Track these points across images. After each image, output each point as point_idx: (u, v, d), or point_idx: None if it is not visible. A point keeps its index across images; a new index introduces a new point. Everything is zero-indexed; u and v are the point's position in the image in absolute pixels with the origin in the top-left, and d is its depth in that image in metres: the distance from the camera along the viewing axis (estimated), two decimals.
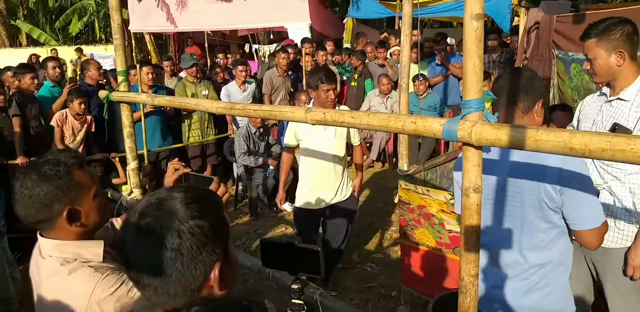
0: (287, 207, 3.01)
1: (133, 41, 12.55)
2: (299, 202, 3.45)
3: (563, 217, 1.68)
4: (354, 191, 3.57)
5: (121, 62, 2.97)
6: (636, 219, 2.14)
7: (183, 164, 1.65)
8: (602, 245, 2.15)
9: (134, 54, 12.50)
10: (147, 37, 12.73)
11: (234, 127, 5.87)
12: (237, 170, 5.24)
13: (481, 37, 1.38)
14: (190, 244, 0.88)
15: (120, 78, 2.96)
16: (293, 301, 1.44)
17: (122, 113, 2.97)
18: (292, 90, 6.43)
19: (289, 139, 3.40)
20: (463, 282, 1.50)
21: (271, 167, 4.99)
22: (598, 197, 1.85)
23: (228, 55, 8.35)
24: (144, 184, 4.36)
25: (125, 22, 11.64)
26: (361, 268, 3.81)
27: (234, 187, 5.42)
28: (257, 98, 6.33)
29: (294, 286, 1.44)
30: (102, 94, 2.98)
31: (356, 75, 6.94)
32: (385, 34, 8.38)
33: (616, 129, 2.04)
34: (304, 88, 6.32)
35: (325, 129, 3.24)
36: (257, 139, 5.14)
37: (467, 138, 1.38)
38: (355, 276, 3.61)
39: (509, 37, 6.70)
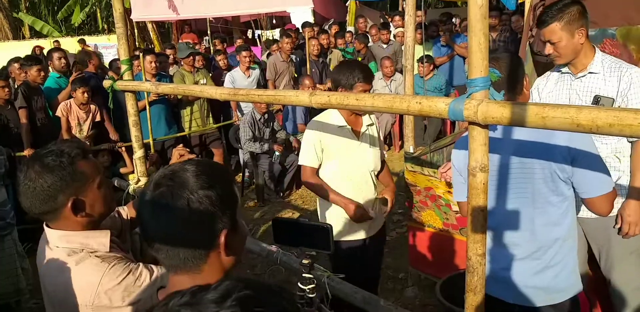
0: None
1: (136, 30, 12.52)
2: (337, 235, 2.60)
3: (573, 187, 1.70)
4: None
5: (124, 51, 2.95)
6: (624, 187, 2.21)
7: (187, 149, 1.67)
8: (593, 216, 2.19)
9: (136, 43, 12.51)
10: (149, 26, 12.67)
11: (238, 113, 5.87)
12: (242, 156, 5.25)
13: (486, 14, 1.36)
14: (199, 212, 0.94)
15: (123, 67, 2.94)
16: (303, 274, 1.50)
17: (127, 102, 2.96)
18: (296, 75, 6.40)
19: (309, 158, 2.54)
20: (470, 262, 1.50)
21: (277, 153, 5.00)
22: None
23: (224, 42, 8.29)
24: (150, 173, 4.40)
25: (127, 11, 11.64)
26: None
27: (240, 173, 5.44)
28: (262, 84, 6.31)
29: (304, 261, 1.50)
30: (107, 83, 2.98)
31: (359, 59, 6.88)
32: (383, 17, 8.27)
33: (599, 100, 2.13)
34: (308, 73, 6.30)
35: (360, 142, 2.60)
36: (262, 126, 5.14)
37: (473, 117, 1.37)
38: None
39: (513, 17, 6.59)
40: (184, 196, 0.94)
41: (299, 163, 2.59)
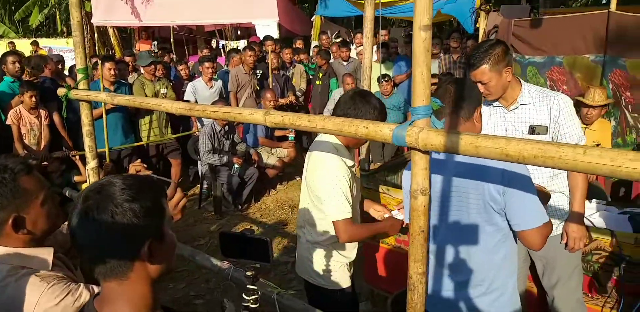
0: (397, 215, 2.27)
1: (96, 34, 12.27)
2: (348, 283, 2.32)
3: (506, 219, 1.72)
4: None
5: (81, 60, 2.92)
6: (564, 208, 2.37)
7: (144, 165, 1.68)
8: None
9: (97, 48, 12.25)
10: (110, 31, 12.45)
11: (198, 124, 5.84)
12: (201, 168, 5.22)
13: (429, 47, 1.45)
14: (122, 224, 1.01)
15: (79, 76, 2.91)
16: (248, 286, 1.54)
17: (82, 112, 2.92)
18: (258, 88, 6.43)
19: (344, 209, 2.07)
20: (411, 280, 1.57)
21: (236, 166, 5.00)
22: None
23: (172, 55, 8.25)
24: None
25: (88, 15, 11.36)
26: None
27: (199, 185, 5.39)
28: (224, 95, 6.31)
29: (248, 273, 1.55)
30: (61, 91, 2.93)
31: (320, 74, 6.99)
32: (349, 34, 8.44)
33: (534, 129, 2.28)
34: (270, 86, 6.35)
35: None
36: (222, 138, 5.13)
37: (414, 143, 1.45)
38: None
39: (468, 41, 6.87)
40: (109, 209, 1.00)
41: (333, 219, 2.07)
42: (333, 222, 2.10)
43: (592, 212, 2.70)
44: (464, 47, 7.01)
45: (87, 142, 2.98)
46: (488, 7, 5.08)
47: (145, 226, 1.03)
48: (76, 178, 4.85)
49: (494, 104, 2.42)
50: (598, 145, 3.88)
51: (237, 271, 2.21)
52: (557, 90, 4.66)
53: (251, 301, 1.54)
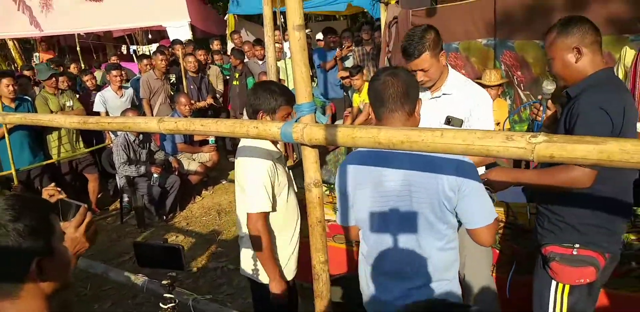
0: None
1: None
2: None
3: (456, 216, 1.71)
4: None
5: None
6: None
7: (58, 189, 1.62)
8: None
9: None
10: (10, 43, 11.64)
11: (111, 135, 5.63)
12: (119, 181, 5.04)
13: (305, 46, 1.52)
14: (7, 244, 1.02)
15: None
16: (165, 295, 1.57)
17: None
18: (172, 93, 6.29)
19: (260, 202, 2.19)
20: (315, 270, 1.65)
21: (155, 175, 4.87)
22: None
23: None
24: None
25: None
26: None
27: (119, 199, 5.20)
28: (136, 103, 6.12)
29: (164, 282, 1.58)
30: None
31: (237, 74, 6.95)
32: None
33: (450, 121, 2.27)
34: (184, 90, 6.23)
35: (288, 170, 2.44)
36: (138, 147, 4.98)
37: (300, 139, 1.52)
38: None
39: (376, 33, 7.08)
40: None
41: (249, 211, 2.18)
42: (247, 213, 2.21)
43: None
44: (375, 38, 7.21)
45: None
46: None
47: (31, 245, 1.03)
48: None
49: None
50: (497, 124, 4.17)
51: (152, 283, 2.20)
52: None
53: (168, 310, 1.57)
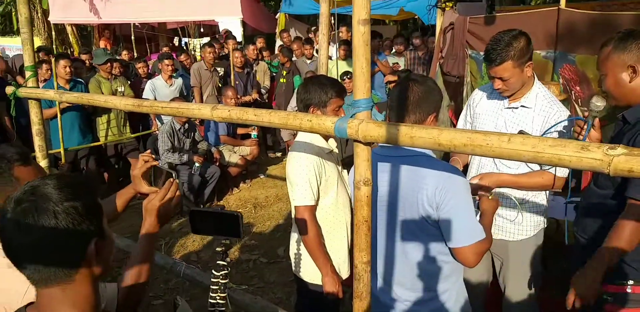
0: None
1: (53, 32, 11.92)
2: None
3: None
4: None
5: (29, 57, 2.86)
6: (531, 212, 2.33)
7: (153, 156, 1.68)
8: (503, 238, 2.35)
9: (54, 46, 11.89)
10: (68, 29, 12.12)
11: (157, 123, 5.74)
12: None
13: (368, 41, 1.48)
14: (66, 222, 0.97)
15: (28, 73, 2.85)
16: (218, 262, 1.56)
17: (31, 110, 2.86)
18: (220, 85, 6.38)
19: (304, 195, 2.17)
20: (357, 270, 1.60)
21: (197, 165, 4.94)
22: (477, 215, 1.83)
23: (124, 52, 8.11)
24: None
25: (45, 13, 11.02)
26: (286, 262, 3.89)
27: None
28: (185, 94, 6.24)
29: (218, 249, 1.56)
30: (9, 90, 2.86)
31: (284, 72, 6.98)
32: (312, 32, 8.48)
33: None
34: (232, 83, 6.31)
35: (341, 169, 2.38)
36: (182, 136, 5.07)
37: (354, 135, 1.48)
38: (279, 270, 3.67)
39: (430, 38, 7.00)
40: (50, 209, 0.95)
41: (294, 204, 2.20)
42: (294, 207, 2.20)
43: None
44: (428, 43, 7.13)
45: (37, 141, 2.92)
46: (444, 4, 5.17)
47: (89, 223, 1.00)
48: None
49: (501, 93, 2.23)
50: None
51: (189, 268, 2.21)
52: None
53: (221, 277, 1.57)
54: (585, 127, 1.87)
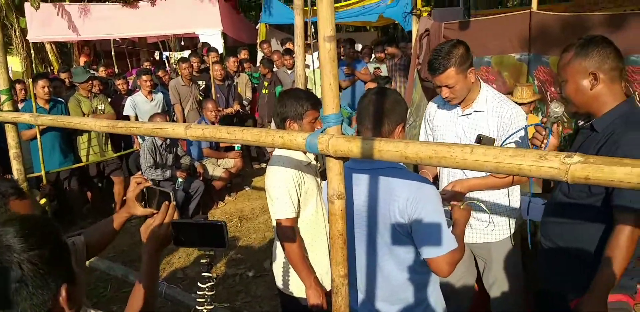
0: None
1: (32, 51, 11.84)
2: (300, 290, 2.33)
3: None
4: None
5: (3, 81, 2.85)
6: (506, 214, 2.39)
7: (145, 177, 1.66)
8: (485, 240, 2.40)
9: (34, 65, 11.82)
10: (47, 46, 12.05)
11: (139, 140, 5.71)
12: None
13: (334, 57, 1.50)
14: (34, 273, 0.94)
15: (3, 97, 2.84)
16: (203, 274, 1.54)
17: (7, 134, 2.85)
18: (200, 98, 6.38)
19: (284, 208, 2.17)
20: (334, 283, 1.61)
21: (180, 180, 4.92)
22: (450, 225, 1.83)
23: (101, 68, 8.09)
24: (44, 206, 4.16)
25: (23, 31, 10.92)
26: (273, 275, 3.88)
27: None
28: (166, 108, 6.23)
29: (203, 260, 1.54)
30: None
31: (266, 83, 7.00)
32: (289, 43, 8.53)
33: (481, 139, 2.18)
34: (213, 97, 6.31)
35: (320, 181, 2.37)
36: (164, 152, 5.05)
37: (325, 150, 1.50)
38: (266, 283, 3.65)
39: (408, 44, 7.07)
40: (14, 260, 0.92)
41: (275, 218, 2.20)
42: (276, 220, 2.20)
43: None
44: (407, 49, 7.20)
45: (15, 165, 2.91)
46: (419, 11, 5.23)
47: (57, 270, 0.98)
48: None
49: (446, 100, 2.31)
50: None
51: (170, 288, 2.19)
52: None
53: (207, 289, 1.55)
54: (547, 134, 1.85)
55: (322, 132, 1.55)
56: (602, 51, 1.72)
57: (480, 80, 2.35)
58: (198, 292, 1.56)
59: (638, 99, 3.72)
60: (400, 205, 1.64)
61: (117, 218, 1.68)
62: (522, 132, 2.16)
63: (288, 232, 2.18)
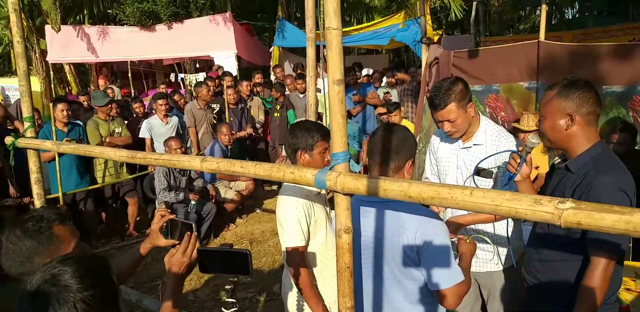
0: None
1: (52, 72, 12.18)
2: None
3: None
4: None
5: (27, 108, 2.97)
6: (510, 243, 2.43)
7: (168, 210, 1.79)
8: (489, 270, 2.47)
9: (52, 85, 12.14)
10: (66, 67, 12.39)
11: None
12: (158, 206, 5.21)
13: (343, 99, 1.59)
14: None
15: (27, 124, 2.96)
16: (227, 299, 1.63)
17: (30, 159, 2.96)
18: (214, 122, 6.52)
19: (295, 236, 2.22)
20: None
21: (193, 202, 5.01)
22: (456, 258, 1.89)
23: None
24: None
25: (43, 53, 11.25)
26: (282, 299, 3.92)
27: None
28: (181, 133, 6.37)
29: (227, 287, 1.64)
30: (8, 140, 2.96)
31: (278, 107, 7.14)
32: (300, 68, 8.68)
33: (480, 172, 2.26)
34: (227, 120, 6.45)
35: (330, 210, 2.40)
36: (178, 174, 5.16)
37: (333, 187, 1.57)
38: (275, 307, 3.70)
39: (418, 70, 7.19)
40: (70, 300, 1.01)
41: (285, 246, 2.25)
42: (286, 248, 2.24)
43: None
44: (413, 75, 7.31)
45: (35, 189, 3.00)
46: (428, 40, 5.36)
47: (107, 309, 1.07)
48: None
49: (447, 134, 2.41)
50: (536, 168, 4.12)
51: None
52: (495, 116, 4.93)
53: None
54: (521, 162, 1.95)
55: (330, 168, 1.64)
56: (582, 95, 1.81)
57: (480, 114, 2.45)
58: None
59: None
60: (409, 238, 1.70)
61: (142, 250, 1.79)
62: (507, 158, 2.24)
63: (298, 260, 2.23)
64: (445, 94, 2.25)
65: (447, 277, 1.70)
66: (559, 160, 2.00)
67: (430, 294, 1.77)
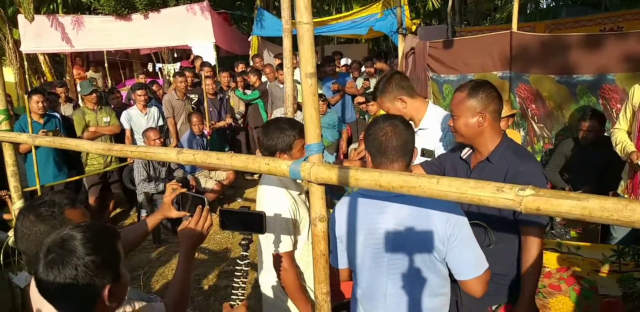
0: None
1: (26, 62, 11.91)
2: None
3: (447, 266, 1.75)
4: None
5: (1, 102, 2.95)
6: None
7: (180, 184, 1.87)
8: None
9: (27, 76, 11.88)
10: (40, 58, 12.13)
11: None
12: (138, 197, 5.20)
13: (315, 92, 1.63)
14: (84, 274, 1.20)
15: (0, 117, 2.93)
16: (242, 253, 1.76)
17: (5, 152, 2.94)
18: (192, 112, 6.49)
19: (285, 241, 2.21)
20: (317, 300, 1.73)
21: None
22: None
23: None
24: None
25: (16, 43, 10.99)
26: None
27: (137, 214, 5.37)
28: (161, 124, 6.33)
29: (243, 242, 1.78)
30: None
31: (257, 92, 7.13)
32: (279, 59, 8.68)
33: (424, 153, 2.53)
34: (206, 111, 6.43)
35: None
36: (158, 165, 5.15)
37: (307, 177, 1.62)
38: (258, 295, 3.72)
39: (395, 60, 7.25)
40: (72, 262, 1.18)
41: (277, 252, 2.18)
42: (273, 254, 2.23)
43: None
44: (393, 65, 7.38)
45: (12, 182, 2.99)
46: (403, 31, 5.41)
47: (105, 273, 1.23)
48: (5, 216, 4.74)
49: None
50: None
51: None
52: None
53: (244, 265, 1.76)
54: None
55: (304, 160, 1.68)
56: (489, 95, 2.01)
57: (429, 102, 2.71)
58: (236, 267, 1.75)
59: (615, 115, 3.90)
60: (438, 231, 1.69)
61: (151, 220, 1.94)
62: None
63: (288, 265, 2.20)
64: (376, 88, 2.61)
65: (475, 266, 1.72)
66: (466, 154, 2.19)
67: (446, 286, 1.80)
